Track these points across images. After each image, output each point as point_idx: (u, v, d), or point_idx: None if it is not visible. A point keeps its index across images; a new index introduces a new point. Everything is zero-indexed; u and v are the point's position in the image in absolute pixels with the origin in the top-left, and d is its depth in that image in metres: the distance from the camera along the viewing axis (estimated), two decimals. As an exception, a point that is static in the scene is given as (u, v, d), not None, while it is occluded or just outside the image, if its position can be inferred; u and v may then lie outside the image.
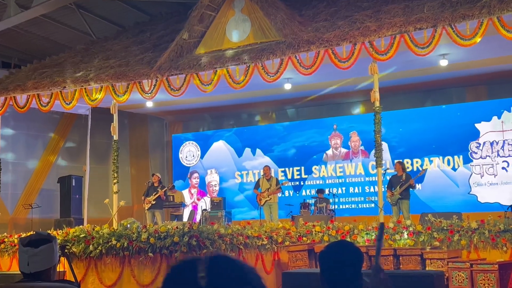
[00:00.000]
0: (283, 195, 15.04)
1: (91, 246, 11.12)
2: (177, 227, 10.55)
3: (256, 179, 14.70)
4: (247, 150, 16.85)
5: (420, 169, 14.02)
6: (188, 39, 12.53)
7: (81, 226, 12.31)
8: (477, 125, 14.05)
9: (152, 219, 13.91)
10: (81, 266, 11.14)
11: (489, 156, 13.88)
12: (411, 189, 12.20)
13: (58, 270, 3.25)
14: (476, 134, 14.04)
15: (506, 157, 13.73)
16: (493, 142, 13.86)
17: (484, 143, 13.95)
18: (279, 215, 13.55)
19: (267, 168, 13.79)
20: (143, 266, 10.04)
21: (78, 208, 15.20)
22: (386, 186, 12.24)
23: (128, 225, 11.63)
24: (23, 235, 10.83)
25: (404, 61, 11.60)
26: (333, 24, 11.37)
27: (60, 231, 12.08)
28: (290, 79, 13.00)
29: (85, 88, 13.47)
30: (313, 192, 14.94)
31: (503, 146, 13.78)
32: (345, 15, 11.56)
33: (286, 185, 14.74)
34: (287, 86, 13.49)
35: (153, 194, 13.99)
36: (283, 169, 16.20)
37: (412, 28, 10.34)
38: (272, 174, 14.41)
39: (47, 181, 16.26)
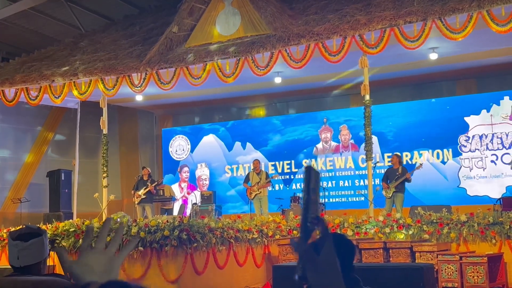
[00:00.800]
0: (273, 189, 15.04)
1: (80, 240, 11.07)
2: (167, 221, 10.52)
3: (246, 173, 14.69)
4: (238, 144, 16.83)
5: (417, 162, 13.97)
6: (178, 32, 12.48)
7: (70, 220, 12.26)
8: (466, 119, 14.11)
9: (142, 213, 13.87)
10: (71, 260, 11.08)
11: (478, 150, 13.95)
12: (406, 182, 12.19)
13: (48, 264, 3.22)
14: (465, 128, 14.10)
15: (495, 150, 13.80)
16: (482, 135, 13.93)
17: (473, 136, 14.02)
18: (269, 208, 13.55)
19: (256, 162, 13.78)
20: (133, 260, 10.01)
21: (68, 203, 15.12)
22: (381, 178, 12.26)
23: (118, 219, 11.59)
24: (12, 229, 10.77)
25: (394, 54, 11.61)
26: (323, 18, 11.36)
27: (50, 225, 12.02)
28: (281, 72, 12.98)
29: (74, 82, 13.39)
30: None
31: (492, 140, 13.84)
32: (335, 8, 11.55)
33: (276, 178, 14.75)
34: (277, 80, 13.48)
35: (143, 188, 13.94)
36: (273, 162, 16.19)
37: (402, 21, 10.36)
38: (262, 168, 14.41)
39: (36, 175, 16.16)
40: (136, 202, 13.98)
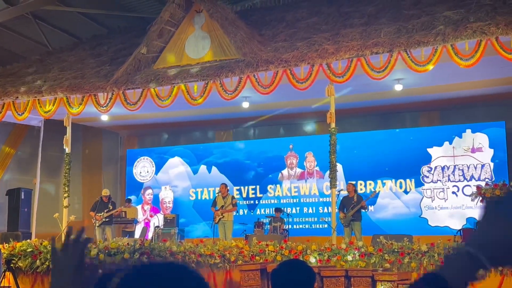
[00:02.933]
0: (237, 214, 14.98)
1: (38, 261, 10.83)
2: (128, 244, 10.37)
3: (211, 197, 14.61)
4: (203, 167, 16.76)
5: (372, 190, 14.21)
6: (147, 53, 12.45)
7: (28, 241, 11.98)
8: (429, 150, 14.34)
9: (102, 235, 13.64)
10: (27, 282, 10.82)
11: (440, 181, 14.17)
12: (362, 210, 12.34)
13: (2, 285, 3.13)
14: (428, 159, 14.32)
15: (456, 182, 14.03)
16: (444, 167, 14.16)
17: (435, 167, 14.24)
18: (233, 233, 13.46)
19: (223, 186, 13.71)
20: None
21: (27, 222, 14.76)
22: (338, 207, 12.34)
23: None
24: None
25: (360, 84, 11.78)
26: (292, 45, 11.49)
27: (7, 245, 11.72)
28: (248, 97, 13.03)
29: (38, 99, 13.19)
30: (268, 211, 14.93)
31: (453, 171, 14.08)
32: (304, 36, 11.70)
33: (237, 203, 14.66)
34: (245, 105, 13.51)
35: (105, 211, 13.74)
36: (238, 187, 16.15)
37: (369, 52, 10.53)
38: (229, 192, 14.35)
39: (-5, 193, 15.77)
40: (97, 225, 13.76)
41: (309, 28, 12.08)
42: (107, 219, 13.75)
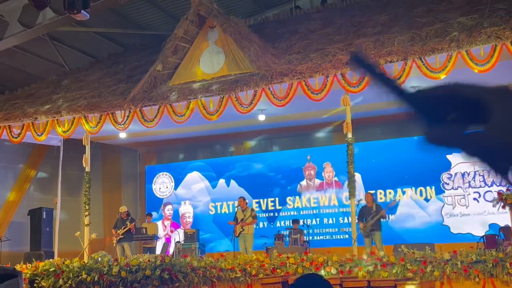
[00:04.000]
0: (257, 226, 14.96)
1: (60, 280, 10.90)
2: (149, 260, 10.41)
3: (231, 211, 14.62)
4: (221, 181, 16.79)
5: (392, 199, 14.12)
6: (162, 70, 12.56)
7: (51, 260, 12.08)
8: (448, 156, 14.22)
9: (122, 252, 13.71)
10: (51, 301, 10.88)
11: (461, 187, 14.03)
12: (382, 220, 12.24)
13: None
14: (447, 165, 14.20)
15: (477, 188, 13.89)
16: (464, 173, 14.03)
17: (455, 174, 14.12)
18: (254, 246, 13.45)
19: (241, 199, 13.71)
20: (114, 300, 9.85)
21: (49, 241, 14.91)
22: (357, 217, 12.27)
23: (99, 259, 11.45)
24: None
25: (376, 92, 11.71)
26: (306, 57, 11.51)
27: (30, 265, 11.83)
28: (264, 110, 13.06)
29: (57, 120, 13.35)
30: (288, 223, 14.89)
31: (474, 177, 13.95)
32: (318, 48, 11.72)
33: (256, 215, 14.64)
34: (261, 117, 13.55)
35: (122, 228, 13.82)
36: (257, 200, 16.15)
37: (383, 60, 10.51)
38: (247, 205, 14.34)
39: (17, 214, 15.95)
40: (116, 242, 13.83)
41: (322, 39, 12.10)
42: (123, 236, 13.81)
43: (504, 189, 10.51)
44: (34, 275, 11.24)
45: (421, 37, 10.48)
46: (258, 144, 17.14)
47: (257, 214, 14.10)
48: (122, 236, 13.79)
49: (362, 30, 11.83)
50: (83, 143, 13.59)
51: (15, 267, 10.46)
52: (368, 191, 12.95)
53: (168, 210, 17.32)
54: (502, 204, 9.87)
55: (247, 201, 13.88)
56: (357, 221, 12.02)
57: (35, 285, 10.99)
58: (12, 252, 14.62)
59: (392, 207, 13.13)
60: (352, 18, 12.54)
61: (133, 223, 13.98)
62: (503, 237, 11.17)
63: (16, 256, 13.96)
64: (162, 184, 17.58)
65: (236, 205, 13.86)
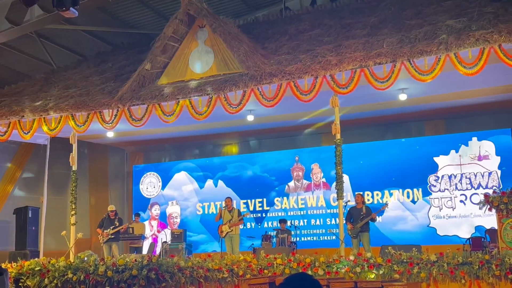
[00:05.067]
0: (244, 227, 14.94)
1: (46, 279, 10.82)
2: (135, 260, 10.35)
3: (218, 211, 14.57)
4: (209, 182, 16.76)
5: (381, 201, 14.17)
6: (151, 69, 12.50)
7: (36, 259, 11.99)
8: (435, 159, 14.29)
9: (109, 251, 13.62)
10: (36, 301, 10.79)
11: (448, 189, 14.11)
12: (371, 222, 12.30)
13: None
14: (434, 168, 14.27)
15: (464, 190, 13.97)
16: (451, 175, 14.11)
17: (442, 176, 14.19)
18: (240, 247, 13.43)
19: (228, 200, 13.70)
20: (100, 300, 9.78)
21: (34, 241, 14.77)
22: (345, 218, 12.29)
23: (85, 258, 11.37)
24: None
25: (364, 94, 11.78)
26: (295, 58, 11.51)
27: (15, 264, 11.73)
28: (253, 110, 13.05)
29: (44, 118, 13.25)
30: (275, 224, 14.89)
31: (461, 180, 14.03)
32: (307, 49, 11.72)
33: (247, 216, 14.66)
34: (250, 118, 13.53)
35: (111, 228, 13.73)
36: (245, 200, 16.14)
37: (372, 62, 10.53)
38: (234, 206, 14.32)
39: (3, 212, 15.80)
40: (103, 241, 13.75)
41: (311, 40, 12.11)
42: (113, 236, 13.73)
43: (490, 191, 10.57)
44: (20, 274, 11.15)
45: (410, 39, 10.51)
46: (246, 144, 17.12)
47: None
48: (112, 236, 13.70)
49: (351, 31, 11.85)
50: (70, 142, 13.50)
51: (1, 265, 10.37)
52: (358, 193, 12.98)
53: (155, 210, 17.26)
54: (489, 206, 9.91)
55: (234, 201, 13.85)
56: (345, 222, 12.04)
57: (20, 284, 10.89)
58: (-3, 251, 14.49)
59: (374, 209, 13.19)
60: (342, 20, 12.57)
61: (127, 224, 13.92)
62: (489, 239, 11.25)
63: (1, 255, 13.84)
64: (149, 184, 17.51)
65: (223, 205, 13.81)
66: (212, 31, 12.23)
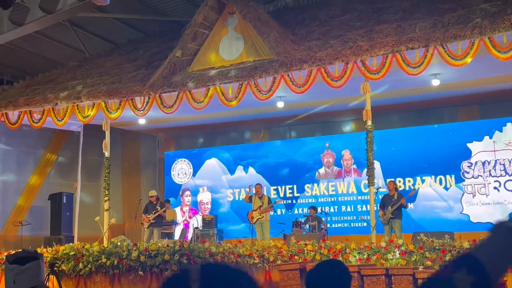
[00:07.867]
0: (275, 214, 14.97)
1: (80, 264, 11.03)
2: (167, 245, 10.47)
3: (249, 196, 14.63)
4: (240, 168, 16.81)
5: (412, 188, 14.05)
6: (181, 56, 12.55)
7: (71, 244, 12.22)
8: (469, 145, 14.08)
9: (150, 236, 13.79)
10: (71, 284, 11.03)
11: (481, 176, 13.90)
12: (403, 208, 12.21)
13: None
14: (468, 154, 14.07)
15: (498, 177, 13.75)
16: (485, 162, 13.89)
17: (476, 162, 13.98)
18: (271, 233, 13.48)
19: (259, 186, 13.74)
20: (133, 284, 9.95)
21: (69, 226, 15.07)
22: (378, 205, 12.23)
23: (119, 243, 11.55)
24: (12, 252, 10.71)
25: (396, 80, 11.65)
26: (326, 43, 11.43)
27: (50, 248, 11.97)
28: (283, 97, 13.02)
29: (77, 105, 13.43)
30: (306, 210, 14.89)
31: (494, 166, 13.80)
32: (338, 34, 11.62)
33: (279, 203, 14.69)
34: (280, 104, 13.51)
35: (153, 213, 13.87)
36: (275, 187, 16.15)
37: (404, 47, 10.40)
38: (264, 192, 14.36)
39: (38, 198, 16.13)
40: (146, 226, 13.90)
41: (342, 25, 12.00)
42: (153, 221, 13.86)
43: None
44: (55, 259, 11.38)
45: (443, 23, 10.34)
46: (276, 131, 17.11)
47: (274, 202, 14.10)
48: (153, 221, 13.85)
49: (383, 16, 11.70)
50: (103, 129, 13.68)
51: (36, 250, 10.60)
52: (390, 179, 12.90)
53: (187, 196, 17.41)
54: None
55: (263, 187, 13.89)
56: (378, 208, 11.98)
57: (55, 268, 11.12)
58: (32, 236, 14.81)
59: (412, 196, 13.07)
60: (373, 4, 12.41)
61: (163, 209, 14.04)
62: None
63: (36, 240, 14.13)
64: (180, 170, 17.65)
65: (253, 191, 13.86)
66: (242, 17, 12.21)
